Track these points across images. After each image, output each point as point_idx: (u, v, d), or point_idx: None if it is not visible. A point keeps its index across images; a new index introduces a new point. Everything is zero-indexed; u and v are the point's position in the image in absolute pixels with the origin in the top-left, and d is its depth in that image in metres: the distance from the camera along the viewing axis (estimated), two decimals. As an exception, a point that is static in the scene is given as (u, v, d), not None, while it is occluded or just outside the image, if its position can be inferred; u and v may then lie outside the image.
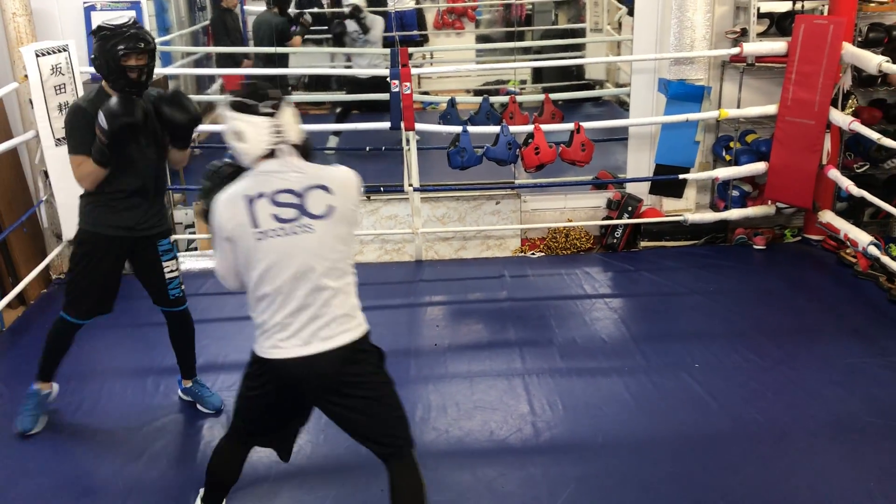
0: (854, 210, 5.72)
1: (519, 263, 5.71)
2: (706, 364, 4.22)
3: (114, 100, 3.26)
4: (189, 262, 5.74)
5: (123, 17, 3.40)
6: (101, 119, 3.22)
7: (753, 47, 5.49)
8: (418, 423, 3.75)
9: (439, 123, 5.74)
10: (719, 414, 3.78)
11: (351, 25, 7.29)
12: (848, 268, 5.36)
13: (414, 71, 5.47)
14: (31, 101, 4.88)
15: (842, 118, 5.20)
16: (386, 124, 5.46)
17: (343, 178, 2.66)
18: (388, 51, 6.01)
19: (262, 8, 7.42)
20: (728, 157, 5.79)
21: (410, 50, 5.95)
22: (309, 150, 2.72)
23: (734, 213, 5.78)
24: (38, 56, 4.76)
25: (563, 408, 3.85)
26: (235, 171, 2.73)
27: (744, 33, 5.62)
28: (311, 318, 2.57)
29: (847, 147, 5.66)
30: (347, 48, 7.46)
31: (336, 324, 2.59)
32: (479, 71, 7.97)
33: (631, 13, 6.08)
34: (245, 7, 7.78)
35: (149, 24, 5.69)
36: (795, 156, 5.45)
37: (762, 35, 5.70)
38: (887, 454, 3.46)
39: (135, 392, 4.11)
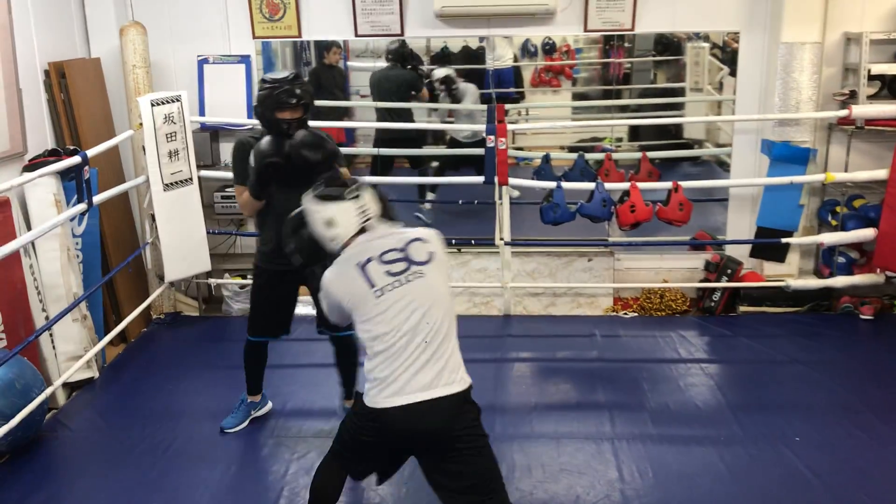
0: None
1: (610, 323, 5.60)
2: (808, 438, 4.00)
3: (265, 140, 3.59)
4: (282, 308, 5.85)
5: (285, 72, 3.71)
6: (251, 157, 3.60)
7: (863, 110, 5.31)
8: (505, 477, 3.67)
9: (532, 179, 5.74)
10: (822, 493, 3.57)
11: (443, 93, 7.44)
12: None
13: (510, 127, 5.50)
14: (143, 148, 5.13)
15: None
16: (480, 178, 5.49)
17: (429, 231, 2.92)
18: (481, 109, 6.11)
19: (368, 64, 7.63)
20: (834, 223, 5.57)
21: (507, 106, 5.99)
22: (390, 211, 3.00)
23: (840, 281, 5.53)
24: (153, 105, 5.01)
25: (654, 476, 3.71)
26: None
27: (853, 95, 5.44)
28: (428, 368, 2.69)
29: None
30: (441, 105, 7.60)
31: (450, 372, 2.73)
32: (575, 128, 7.95)
33: (733, 74, 5.98)
34: (348, 63, 8.03)
35: (257, 77, 5.92)
36: (907, 223, 5.20)
37: (873, 97, 5.50)
38: None
39: (223, 434, 4.17)
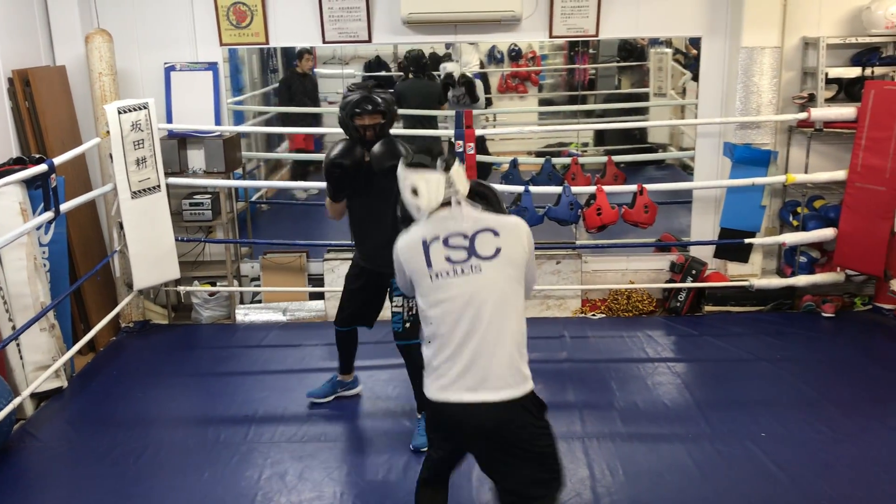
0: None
1: (579, 324, 5.67)
2: (773, 434, 4.09)
3: (338, 145, 3.77)
4: (252, 315, 5.85)
5: (369, 81, 3.85)
6: (325, 160, 3.77)
7: (822, 112, 5.44)
8: (475, 484, 3.71)
9: (501, 183, 5.79)
10: (788, 487, 3.65)
11: (458, 91, 7.41)
12: (923, 339, 5.18)
13: (478, 132, 5.55)
14: (111, 156, 5.09)
15: (915, 185, 5.09)
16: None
17: (512, 223, 2.79)
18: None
19: (336, 71, 7.63)
20: (795, 223, 5.70)
21: (474, 112, 6.04)
22: (486, 196, 2.92)
23: (802, 280, 5.66)
24: (119, 113, 4.98)
25: (624, 474, 3.77)
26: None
27: (811, 98, 5.57)
28: (478, 364, 2.62)
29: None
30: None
31: (501, 376, 2.62)
32: (542, 133, 8.01)
33: (695, 79, 6.09)
34: (315, 70, 8.03)
35: (224, 84, 5.91)
36: (866, 222, 5.33)
37: (830, 101, 5.65)
38: (969, 536, 3.29)
39: (195, 441, 4.16)
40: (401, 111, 7.14)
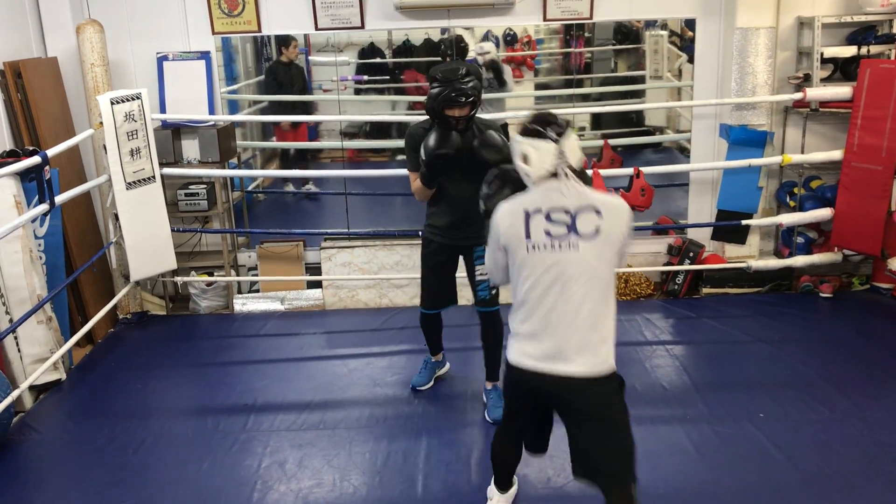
0: (926, 258, 5.54)
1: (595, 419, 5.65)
2: (771, 414, 4.10)
3: (434, 134, 3.78)
4: (250, 304, 5.85)
5: (454, 64, 3.83)
6: (422, 150, 3.78)
7: (817, 92, 5.43)
8: (474, 468, 3.72)
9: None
10: (786, 466, 3.66)
11: (486, 75, 7.35)
12: (920, 317, 5.19)
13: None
14: (104, 147, 5.08)
15: (911, 163, 5.08)
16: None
17: (615, 204, 2.78)
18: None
19: (330, 59, 7.59)
20: (792, 203, 5.69)
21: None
22: (586, 177, 2.91)
23: (799, 260, 5.65)
24: (112, 104, 4.96)
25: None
26: (517, 179, 2.94)
27: (807, 78, 5.55)
28: (558, 337, 2.71)
29: (917, 193, 5.51)
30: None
31: (580, 351, 2.70)
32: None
33: (691, 61, 6.07)
34: (310, 58, 8.00)
35: (217, 73, 5.89)
36: (863, 202, 5.33)
37: (826, 80, 5.63)
38: (967, 512, 3.30)
39: (195, 431, 4.17)
40: (311, 97, 7.15)
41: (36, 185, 4.48)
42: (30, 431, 4.23)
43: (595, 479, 2.82)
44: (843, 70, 5.69)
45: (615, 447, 2.78)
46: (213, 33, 5.77)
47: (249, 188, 6.96)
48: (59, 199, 4.68)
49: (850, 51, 5.62)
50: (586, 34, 7.08)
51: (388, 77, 8.56)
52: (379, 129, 8.39)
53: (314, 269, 6.07)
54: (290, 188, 7.21)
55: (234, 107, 6.68)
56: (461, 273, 4.27)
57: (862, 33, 5.57)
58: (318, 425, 4.18)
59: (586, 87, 8.50)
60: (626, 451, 2.79)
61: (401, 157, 7.72)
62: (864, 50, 5.54)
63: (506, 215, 2.83)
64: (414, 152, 3.95)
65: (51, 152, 4.53)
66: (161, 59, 5.72)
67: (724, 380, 4.51)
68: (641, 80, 8.20)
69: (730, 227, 5.69)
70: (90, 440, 4.09)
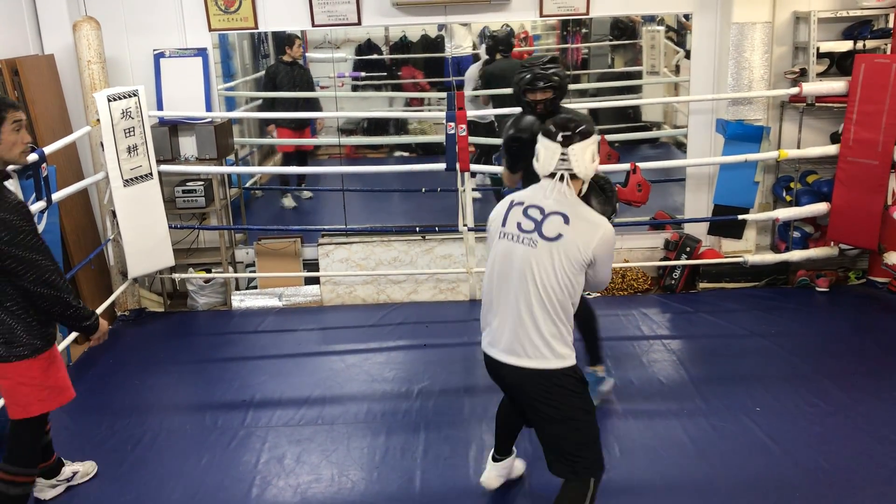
0: (922, 252, 5.56)
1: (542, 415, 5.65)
2: (768, 408, 4.12)
3: (513, 118, 4.02)
4: (248, 301, 5.85)
5: (544, 56, 3.99)
6: (503, 134, 4.00)
7: (813, 87, 5.43)
8: (472, 463, 3.73)
9: (494, 164, 5.78)
10: (782, 459, 3.67)
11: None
12: (916, 311, 5.20)
13: (470, 114, 5.54)
14: (101, 144, 5.08)
15: (906, 158, 5.09)
16: (441, 165, 5.52)
17: (592, 221, 2.85)
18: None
19: (327, 55, 7.59)
20: (788, 198, 5.70)
21: (467, 94, 6.03)
22: (604, 189, 3.11)
23: (796, 255, 5.67)
24: (109, 101, 4.97)
25: (620, 451, 3.79)
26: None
27: (803, 73, 5.56)
28: (507, 328, 2.86)
29: (913, 188, 5.52)
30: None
31: (526, 346, 2.82)
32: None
33: (688, 56, 6.07)
34: (307, 55, 7.99)
35: (214, 70, 5.89)
36: (859, 196, 5.34)
37: (822, 75, 5.64)
38: (962, 504, 3.31)
39: (193, 427, 4.18)
40: (493, 92, 7.09)
41: (33, 182, 4.48)
42: (28, 428, 4.23)
43: (546, 453, 2.96)
44: (838, 65, 5.70)
45: (555, 438, 2.87)
46: (210, 30, 5.77)
47: (247, 185, 6.97)
48: (56, 196, 4.68)
49: (845, 45, 5.62)
50: (583, 30, 7.09)
51: (385, 73, 8.56)
52: (376, 126, 8.40)
53: (312, 265, 6.08)
54: (288, 200, 7.19)
55: (231, 103, 6.68)
56: None
57: (857, 28, 5.58)
58: (317, 421, 4.19)
59: (583, 83, 8.50)
60: (575, 444, 2.86)
61: (398, 154, 7.74)
62: (859, 45, 5.55)
63: (500, 203, 3.00)
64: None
65: (48, 149, 4.54)
66: (158, 56, 5.72)
67: (721, 374, 4.53)
68: (638, 75, 8.21)
69: (726, 222, 5.70)
70: (89, 437, 4.10)
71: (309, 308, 5.85)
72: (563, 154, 2.86)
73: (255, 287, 6.06)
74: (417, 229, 5.89)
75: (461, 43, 8.27)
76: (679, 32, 6.89)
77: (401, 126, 8.17)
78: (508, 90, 6.58)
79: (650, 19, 7.29)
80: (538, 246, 2.79)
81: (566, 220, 2.80)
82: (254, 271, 6.11)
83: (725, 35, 5.59)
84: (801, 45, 5.63)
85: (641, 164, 5.50)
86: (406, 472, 3.69)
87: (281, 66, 6.80)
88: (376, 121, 7.79)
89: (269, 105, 6.96)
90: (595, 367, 4.23)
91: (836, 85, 5.38)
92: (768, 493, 3.44)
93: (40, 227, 4.90)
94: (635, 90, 8.19)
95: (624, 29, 7.89)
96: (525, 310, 2.80)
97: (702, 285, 5.82)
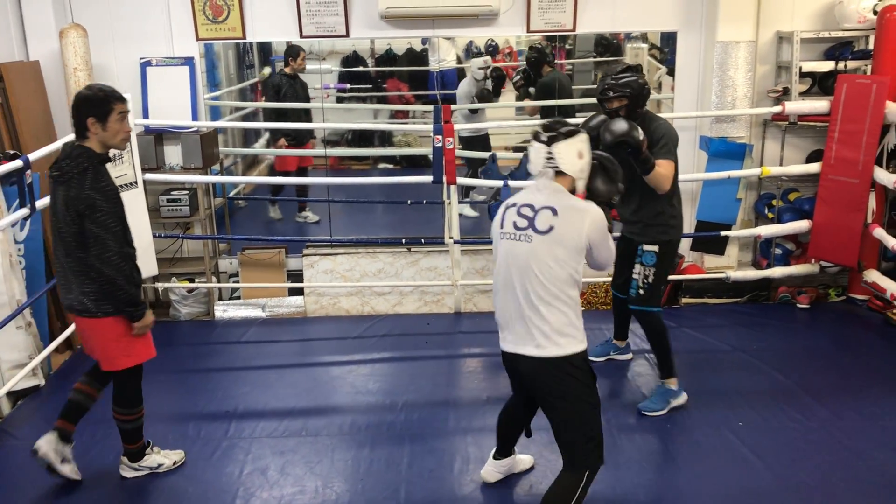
0: (901, 269, 5.65)
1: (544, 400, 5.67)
2: (750, 422, 4.15)
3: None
4: (231, 311, 5.82)
5: (621, 67, 4.13)
6: None
7: (796, 106, 5.51)
8: (456, 476, 3.73)
9: (480, 178, 5.81)
10: (764, 474, 3.70)
11: (488, 84, 7.39)
12: (895, 328, 5.26)
13: (456, 127, 5.56)
14: (86, 152, 5.04)
15: (887, 177, 5.17)
16: (428, 178, 5.54)
17: (578, 208, 3.00)
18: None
19: (314, 66, 7.61)
20: (770, 215, 5.77)
21: (452, 107, 6.06)
22: (606, 169, 3.30)
23: (777, 272, 5.73)
24: (95, 108, 4.93)
25: (604, 463, 3.79)
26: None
27: (786, 92, 5.64)
28: (517, 322, 3.00)
29: (893, 206, 5.60)
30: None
31: (536, 335, 2.96)
32: (519, 128, 8.05)
33: (671, 73, 6.14)
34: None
35: (201, 79, 5.88)
36: (839, 214, 5.41)
37: (804, 94, 5.72)
38: (941, 520, 3.35)
39: (176, 437, 4.14)
40: (546, 103, 7.09)
41: (17, 189, 4.45)
42: (7, 437, 4.19)
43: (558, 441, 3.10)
44: (820, 84, 5.79)
45: (565, 427, 3.03)
46: (198, 39, 5.76)
47: (231, 195, 6.94)
48: (39, 203, 4.65)
49: (827, 65, 5.71)
50: (567, 46, 7.14)
51: (370, 86, 8.58)
52: (361, 137, 8.41)
53: (296, 276, 6.06)
54: (275, 211, 7.15)
55: (216, 113, 6.67)
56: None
57: (839, 49, 5.68)
58: (301, 432, 4.17)
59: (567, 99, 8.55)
60: (579, 434, 3.02)
61: (383, 166, 7.74)
62: (841, 65, 5.64)
63: (500, 209, 3.14)
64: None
65: (32, 156, 4.51)
66: (144, 65, 5.71)
67: (704, 388, 4.55)
68: (622, 91, 8.25)
69: (709, 238, 5.76)
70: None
71: (293, 319, 5.83)
72: (548, 153, 3.01)
73: (239, 297, 6.04)
74: (403, 241, 5.90)
75: (445, 57, 8.31)
76: (662, 50, 6.97)
77: (385, 138, 8.19)
78: (562, 101, 6.74)
79: (634, 36, 7.37)
80: (534, 240, 2.95)
81: (554, 212, 2.96)
82: (237, 281, 6.09)
83: (710, 53, 5.66)
84: (784, 64, 5.71)
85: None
86: (391, 484, 3.68)
87: (284, 78, 6.77)
88: (361, 133, 7.80)
89: (274, 119, 6.89)
90: (667, 380, 4.31)
91: (819, 104, 5.46)
92: (751, 508, 3.47)
93: (23, 235, 4.87)
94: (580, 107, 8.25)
95: (608, 45, 7.96)
96: (531, 302, 2.95)
97: (684, 300, 5.86)
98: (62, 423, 3.72)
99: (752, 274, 5.79)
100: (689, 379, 4.71)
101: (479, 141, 7.19)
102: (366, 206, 7.26)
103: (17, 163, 4.33)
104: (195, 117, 5.76)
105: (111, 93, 3.42)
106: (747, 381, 4.66)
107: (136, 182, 5.26)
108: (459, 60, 8.68)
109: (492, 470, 3.66)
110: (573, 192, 3.07)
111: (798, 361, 4.90)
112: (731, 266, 5.89)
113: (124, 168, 5.16)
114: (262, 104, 7.02)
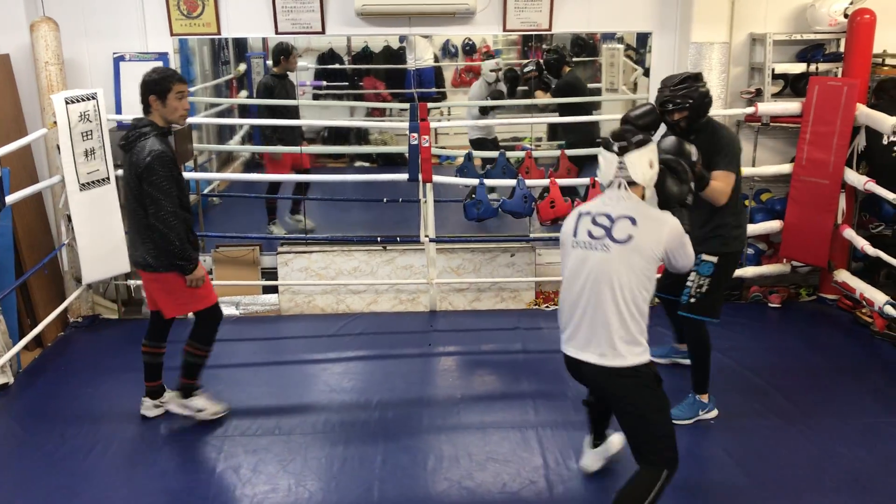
0: (870, 270, 5.72)
1: (533, 316, 5.72)
2: (721, 421, 4.19)
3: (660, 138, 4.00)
4: (205, 309, 5.78)
5: (678, 76, 4.09)
6: None
7: (768, 107, 5.57)
8: (430, 474, 3.73)
9: (456, 176, 5.82)
10: (735, 471, 3.74)
11: (501, 86, 7.39)
12: (864, 328, 5.34)
13: (432, 125, 5.56)
14: (58, 147, 4.99)
15: (857, 178, 5.24)
16: (404, 175, 5.53)
17: (656, 217, 3.08)
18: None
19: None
20: (743, 215, 5.81)
21: (429, 105, 6.05)
22: (675, 171, 3.39)
23: (749, 271, 5.78)
24: (67, 103, 4.88)
25: (577, 461, 3.82)
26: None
27: (758, 94, 5.70)
28: (584, 328, 3.05)
29: (863, 207, 5.68)
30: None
31: (603, 345, 3.01)
32: (496, 127, 8.07)
33: (647, 74, 6.18)
34: (268, 62, 7.95)
35: (175, 75, 5.82)
36: (810, 215, 5.48)
37: (777, 96, 5.78)
38: (907, 516, 3.40)
39: (147, 436, 4.11)
40: (565, 100, 7.08)
41: (-14, 184, 4.39)
42: (-25, 436, 4.13)
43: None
44: (792, 86, 5.85)
45: (631, 429, 3.10)
46: (172, 34, 5.70)
47: (205, 192, 6.90)
48: (9, 199, 4.58)
49: (799, 67, 5.77)
50: (544, 46, 7.18)
51: (346, 83, 8.56)
52: (337, 135, 8.39)
53: (270, 273, 6.03)
54: (277, 228, 7.06)
55: (191, 109, 6.62)
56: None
57: (811, 51, 5.74)
58: (274, 431, 4.15)
59: (543, 99, 8.59)
60: (645, 435, 3.07)
61: (358, 164, 7.72)
62: (812, 67, 5.70)
63: (569, 217, 3.22)
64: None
65: (2, 151, 4.45)
66: (118, 60, 5.64)
67: (677, 387, 4.52)
68: (598, 92, 8.32)
69: (683, 238, 5.79)
70: (38, 445, 4.01)
71: (267, 317, 5.80)
72: (620, 163, 3.07)
73: (213, 295, 5.98)
74: (378, 239, 5.89)
75: (423, 55, 8.32)
76: (637, 51, 7.02)
77: (361, 136, 8.18)
78: (579, 99, 6.85)
79: (610, 37, 7.41)
80: (611, 250, 2.99)
81: (633, 222, 3.00)
82: (211, 279, 6.03)
83: (684, 54, 5.70)
84: (757, 66, 5.77)
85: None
86: (364, 482, 3.68)
87: (274, 78, 6.70)
88: (337, 130, 7.78)
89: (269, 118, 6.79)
90: (701, 395, 4.23)
91: (791, 106, 5.52)
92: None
93: (-8, 231, 4.80)
94: (595, 106, 8.30)
95: (584, 46, 8.01)
96: (601, 311, 2.99)
97: (657, 300, 5.88)
98: (148, 385, 4.27)
99: (724, 273, 5.83)
100: (662, 378, 4.74)
101: (491, 142, 7.26)
102: (342, 203, 7.25)
103: (-14, 158, 4.27)
104: (169, 113, 5.70)
105: (171, 74, 3.90)
106: (718, 379, 4.67)
107: (108, 178, 5.20)
108: (437, 59, 8.70)
109: (594, 459, 3.73)
110: (643, 199, 3.13)
111: (769, 360, 4.95)
112: (704, 265, 5.93)
113: (97, 164, 5.11)
114: (238, 101, 6.97)
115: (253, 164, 7.80)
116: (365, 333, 5.44)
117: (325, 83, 7.85)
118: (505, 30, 5.81)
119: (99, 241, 5.19)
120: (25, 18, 5.39)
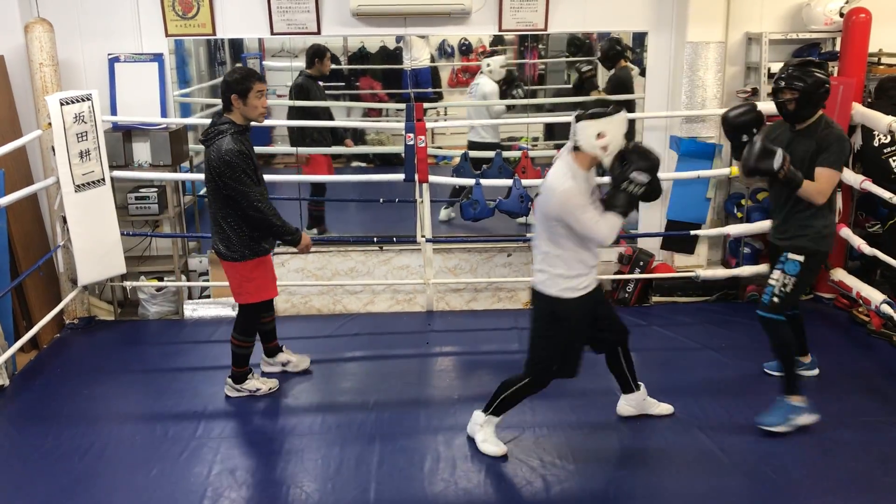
0: (866, 269, 5.71)
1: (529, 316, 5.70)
2: (717, 420, 4.18)
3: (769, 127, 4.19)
4: (201, 310, 5.77)
5: (801, 59, 4.04)
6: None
7: (765, 106, 5.54)
8: (427, 475, 3.73)
9: (452, 176, 5.81)
10: (731, 470, 3.74)
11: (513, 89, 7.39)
12: (860, 326, 5.34)
13: (429, 125, 5.56)
14: (53, 148, 4.98)
15: (853, 177, 5.24)
16: (400, 176, 5.53)
17: (549, 186, 3.46)
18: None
19: (285, 63, 7.56)
20: (739, 215, 5.82)
21: (425, 105, 6.05)
22: (623, 157, 3.52)
23: (746, 270, 5.77)
24: (62, 104, 4.87)
25: (574, 462, 3.82)
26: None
27: (755, 93, 5.70)
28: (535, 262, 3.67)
29: (859, 206, 5.68)
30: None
31: (537, 274, 3.64)
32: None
33: (642, 73, 6.18)
34: (263, 63, 7.94)
35: (170, 76, 5.82)
36: (807, 214, 5.46)
37: (772, 95, 5.77)
38: (904, 514, 3.40)
39: (143, 437, 4.10)
40: (619, 97, 7.04)
41: (-19, 186, 4.38)
42: (-29, 438, 4.12)
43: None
44: (788, 85, 5.84)
45: (536, 342, 3.74)
46: (167, 35, 5.69)
47: (201, 192, 6.88)
48: (4, 200, 4.58)
49: (795, 67, 5.77)
50: (540, 46, 7.18)
51: (343, 84, 8.56)
52: (334, 135, 8.36)
53: (267, 274, 6.01)
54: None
55: (186, 110, 6.61)
56: None
57: (806, 50, 5.74)
58: (270, 432, 4.15)
59: (540, 98, 8.59)
60: (530, 348, 3.77)
61: (355, 164, 7.71)
62: (808, 66, 5.69)
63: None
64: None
65: (-4, 153, 4.44)
66: (112, 61, 5.63)
67: (673, 386, 4.58)
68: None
69: (679, 238, 5.80)
70: (34, 447, 4.00)
71: (263, 318, 5.78)
72: (573, 129, 3.41)
73: (209, 296, 5.98)
74: (375, 240, 5.88)
75: (419, 55, 8.31)
76: (634, 50, 7.01)
77: (358, 136, 8.17)
78: (628, 97, 6.71)
79: (606, 36, 7.41)
80: (537, 203, 3.54)
81: (540, 188, 3.51)
82: (207, 280, 6.03)
83: (680, 54, 5.70)
84: (753, 65, 5.77)
85: (596, 179, 5.55)
86: (361, 483, 3.67)
87: (309, 80, 6.68)
88: (333, 130, 7.77)
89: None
90: (791, 397, 4.08)
91: (786, 105, 5.51)
92: (719, 503, 3.50)
93: (-13, 232, 4.79)
94: (635, 106, 8.30)
95: (580, 46, 8.00)
96: (537, 249, 3.59)
97: (654, 299, 5.90)
98: (267, 347, 4.77)
99: (721, 273, 5.84)
100: (659, 377, 4.75)
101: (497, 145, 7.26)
102: (338, 204, 7.24)
103: (-19, 159, 4.26)
104: (164, 114, 5.70)
105: (252, 73, 4.06)
106: (716, 378, 4.70)
107: (103, 179, 5.20)
108: (433, 59, 8.69)
109: (623, 404, 4.18)
110: (595, 168, 3.52)
111: (765, 359, 4.94)
112: (701, 265, 5.94)
113: (91, 165, 5.10)
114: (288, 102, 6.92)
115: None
116: (361, 334, 5.43)
117: (321, 83, 7.84)
118: (501, 30, 5.81)
119: (94, 242, 5.19)
120: (20, 19, 5.38)
